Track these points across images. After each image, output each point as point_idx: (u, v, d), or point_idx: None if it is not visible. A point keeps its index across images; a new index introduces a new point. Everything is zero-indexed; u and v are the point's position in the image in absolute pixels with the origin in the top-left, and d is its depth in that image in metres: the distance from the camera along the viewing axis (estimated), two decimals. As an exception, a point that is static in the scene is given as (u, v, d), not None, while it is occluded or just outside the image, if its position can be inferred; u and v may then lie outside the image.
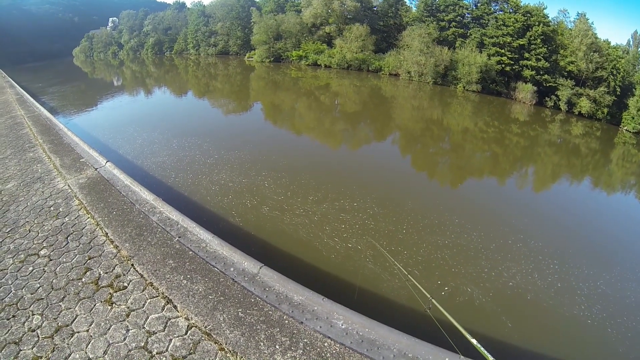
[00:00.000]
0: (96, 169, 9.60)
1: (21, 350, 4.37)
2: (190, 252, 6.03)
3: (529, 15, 40.18)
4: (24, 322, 4.77)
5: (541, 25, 39.39)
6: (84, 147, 11.29)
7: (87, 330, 4.57)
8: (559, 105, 37.52)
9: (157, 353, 4.23)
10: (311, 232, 9.41)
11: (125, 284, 5.33)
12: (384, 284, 7.65)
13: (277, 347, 4.28)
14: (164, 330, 4.53)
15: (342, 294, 6.76)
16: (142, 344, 4.35)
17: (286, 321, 4.69)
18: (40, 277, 5.58)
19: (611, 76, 36.49)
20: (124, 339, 4.42)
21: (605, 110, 35.76)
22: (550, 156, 22.53)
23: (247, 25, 65.18)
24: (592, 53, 37.04)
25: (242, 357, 4.13)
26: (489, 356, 3.77)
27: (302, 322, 4.68)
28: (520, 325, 7.08)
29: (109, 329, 4.58)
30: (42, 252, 6.19)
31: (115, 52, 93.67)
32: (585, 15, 39.87)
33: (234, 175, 12.81)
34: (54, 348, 4.36)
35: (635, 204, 17.77)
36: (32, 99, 21.74)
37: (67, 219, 7.24)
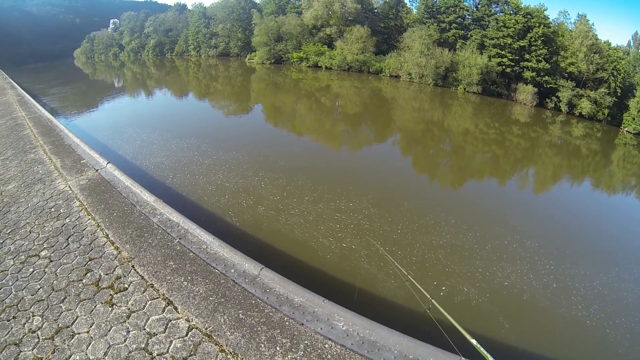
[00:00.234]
0: (97, 170, 9.61)
1: (21, 351, 4.37)
2: (191, 254, 6.02)
3: (529, 16, 40.19)
4: (25, 324, 4.77)
5: (542, 26, 39.39)
6: (85, 148, 11.30)
7: (88, 332, 4.57)
8: (560, 106, 37.52)
9: (157, 354, 4.23)
10: (307, 232, 9.44)
11: (126, 286, 5.33)
12: (383, 285, 7.65)
13: (278, 348, 4.27)
14: (164, 332, 4.52)
15: (342, 295, 6.76)
16: (143, 346, 4.34)
17: (287, 323, 4.68)
18: (41, 279, 5.58)
19: (612, 77, 36.48)
20: (125, 341, 4.42)
21: (606, 111, 35.74)
22: (550, 157, 22.51)
23: (248, 27, 65.28)
24: (592, 54, 37.03)
25: (242, 359, 4.12)
26: (489, 357, 3.75)
27: (302, 324, 4.67)
28: (517, 326, 7.08)
29: (109, 330, 4.58)
30: (42, 254, 6.19)
31: (116, 53, 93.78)
32: (585, 17, 39.92)
33: (230, 175, 12.89)
34: (54, 349, 4.35)
35: (635, 204, 17.72)
36: (33, 100, 21.78)
37: (67, 220, 7.24)
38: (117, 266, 5.75)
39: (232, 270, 5.61)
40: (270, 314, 4.82)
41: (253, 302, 5.01)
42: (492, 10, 45.11)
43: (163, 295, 5.10)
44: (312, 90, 37.35)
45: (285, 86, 40.29)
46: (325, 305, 4.90)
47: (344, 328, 4.59)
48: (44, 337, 4.53)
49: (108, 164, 9.79)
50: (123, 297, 5.11)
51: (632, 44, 44.55)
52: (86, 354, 4.27)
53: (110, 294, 5.18)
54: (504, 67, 40.57)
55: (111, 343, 4.39)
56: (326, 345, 4.37)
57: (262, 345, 4.29)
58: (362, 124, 25.47)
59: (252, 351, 4.22)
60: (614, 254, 10.72)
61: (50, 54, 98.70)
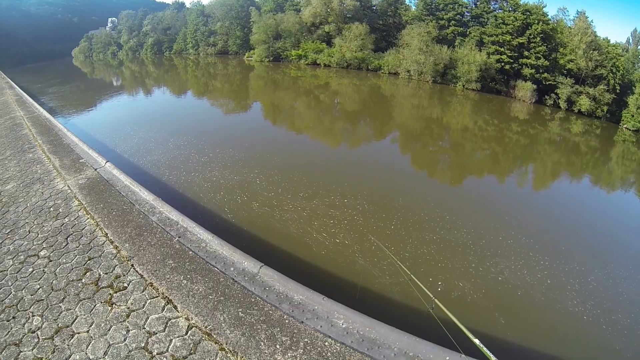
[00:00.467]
0: (96, 169, 9.59)
1: (21, 351, 4.37)
2: (190, 252, 6.02)
3: (528, 13, 40.11)
4: (24, 324, 4.77)
5: (540, 23, 39.32)
6: (84, 147, 11.28)
7: (88, 331, 4.57)
8: (559, 103, 37.51)
9: (157, 353, 4.23)
10: (301, 228, 9.51)
11: (125, 285, 5.33)
12: (384, 283, 7.65)
13: (278, 346, 4.27)
14: (164, 331, 4.53)
15: (343, 293, 6.76)
16: (143, 345, 4.35)
17: (286, 321, 4.69)
18: (40, 278, 5.58)
19: (611, 74, 36.41)
20: (124, 340, 4.42)
21: (605, 108, 35.71)
22: (549, 154, 22.52)
23: (247, 24, 65.04)
24: (591, 51, 36.96)
25: (242, 357, 4.12)
26: (492, 357, 3.76)
27: (302, 322, 4.68)
28: (514, 322, 7.09)
29: (109, 329, 4.58)
30: (41, 253, 6.19)
31: (114, 52, 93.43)
32: (584, 14, 39.83)
33: (226, 172, 12.98)
34: (54, 349, 4.35)
35: (634, 201, 17.73)
36: (31, 100, 21.72)
37: (66, 219, 7.23)
38: (116, 265, 5.75)
39: (232, 269, 5.61)
40: (270, 312, 4.82)
41: (252, 300, 5.01)
42: (491, 7, 45.01)
43: (162, 294, 5.10)
44: (310, 87, 37.30)
45: (284, 84, 40.22)
46: (325, 303, 4.90)
47: (343, 326, 4.59)
48: (43, 337, 4.53)
49: (107, 163, 9.77)
50: (122, 296, 5.11)
51: (631, 40, 44.46)
52: (86, 354, 4.27)
53: (110, 293, 5.18)
54: (502, 64, 40.49)
55: (111, 342, 4.39)
56: (326, 343, 4.37)
57: (262, 344, 4.30)
58: (361, 121, 25.46)
59: (252, 349, 4.22)
60: (610, 251, 10.74)
61: (49, 54, 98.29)
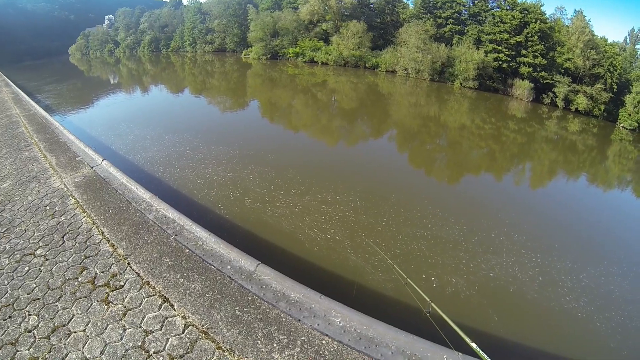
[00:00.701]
0: (92, 167, 9.56)
1: (18, 351, 4.35)
2: (187, 250, 6.01)
3: (526, 12, 40.13)
4: (21, 323, 4.75)
5: (538, 22, 39.37)
6: (80, 145, 11.22)
7: (84, 330, 4.56)
8: (556, 102, 37.58)
9: (154, 352, 4.22)
10: (293, 224, 9.55)
11: (122, 283, 5.31)
12: (382, 282, 7.64)
13: (275, 345, 4.27)
14: (161, 330, 4.52)
15: (340, 291, 6.75)
16: (139, 344, 4.34)
17: (283, 319, 4.68)
18: (37, 277, 5.55)
19: (608, 73, 36.55)
20: (121, 339, 4.41)
21: (602, 107, 35.80)
22: (546, 152, 22.56)
23: (244, 22, 64.86)
24: (589, 50, 37.08)
25: (239, 356, 4.12)
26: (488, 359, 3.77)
27: (299, 320, 4.68)
28: (507, 319, 7.09)
29: (105, 328, 4.56)
30: (38, 252, 6.16)
31: (111, 50, 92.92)
32: (582, 13, 39.96)
33: (219, 168, 13.05)
34: (50, 348, 4.34)
35: (630, 200, 17.79)
36: (27, 98, 21.61)
37: (63, 218, 7.20)
38: (112, 264, 5.73)
39: (229, 267, 5.60)
40: (267, 310, 4.82)
41: (249, 298, 5.01)
42: (489, 6, 45.07)
43: (159, 292, 5.09)
44: (308, 85, 37.22)
45: (281, 82, 40.12)
46: (322, 301, 4.90)
47: (341, 324, 4.60)
48: (40, 337, 4.52)
49: (103, 161, 9.73)
50: (119, 295, 5.09)
51: (628, 40, 44.62)
52: (82, 353, 4.25)
53: (106, 292, 5.16)
54: (500, 62, 40.56)
55: (107, 341, 4.38)
56: (323, 342, 4.37)
57: (259, 342, 4.30)
58: (357, 119, 25.41)
59: (249, 348, 4.22)
60: (604, 249, 10.76)
61: (46, 51, 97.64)
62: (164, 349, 4.25)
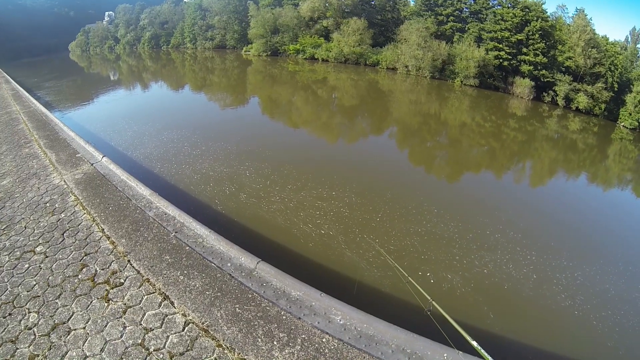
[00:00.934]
0: (92, 164, 9.54)
1: (18, 348, 4.35)
2: (187, 248, 6.00)
3: (527, 10, 39.93)
4: (21, 320, 4.74)
5: (539, 20, 39.19)
6: (80, 142, 11.20)
7: (84, 328, 4.55)
8: (557, 100, 37.47)
9: (154, 350, 4.22)
10: (288, 219, 9.62)
11: (122, 281, 5.31)
12: (383, 280, 7.64)
13: (275, 343, 4.27)
14: (161, 327, 4.51)
15: (340, 289, 6.77)
16: (139, 341, 4.34)
17: (284, 317, 4.68)
18: (37, 275, 5.55)
19: (609, 72, 36.42)
20: (121, 336, 4.41)
21: (603, 106, 35.71)
22: (546, 151, 22.53)
23: (245, 19, 64.64)
24: (590, 49, 36.92)
25: (239, 354, 4.12)
26: (490, 358, 3.76)
27: (300, 318, 4.67)
28: (503, 316, 7.12)
29: (105, 326, 4.56)
30: (38, 249, 6.15)
31: (111, 46, 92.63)
32: (583, 11, 39.72)
33: (216, 164, 13.15)
34: (50, 346, 4.34)
35: (629, 199, 17.77)
36: (27, 94, 21.56)
37: (63, 215, 7.19)
38: (113, 261, 5.72)
39: (229, 264, 5.60)
40: (267, 308, 4.81)
41: (250, 296, 5.01)
42: (490, 3, 44.84)
43: (159, 290, 5.09)
44: (308, 82, 37.14)
45: (282, 78, 40.04)
46: (323, 299, 4.90)
47: (341, 322, 4.59)
48: (40, 334, 4.51)
49: (103, 158, 9.71)
50: (119, 293, 5.09)
51: (629, 39, 44.43)
52: (82, 350, 4.25)
53: (107, 289, 5.16)
54: (501, 60, 40.41)
55: (107, 339, 4.38)
56: (323, 340, 4.37)
57: (259, 340, 4.29)
58: (357, 116, 25.38)
59: (249, 346, 4.22)
60: (600, 247, 10.77)
61: (45, 48, 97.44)
62: (164, 347, 4.25)
